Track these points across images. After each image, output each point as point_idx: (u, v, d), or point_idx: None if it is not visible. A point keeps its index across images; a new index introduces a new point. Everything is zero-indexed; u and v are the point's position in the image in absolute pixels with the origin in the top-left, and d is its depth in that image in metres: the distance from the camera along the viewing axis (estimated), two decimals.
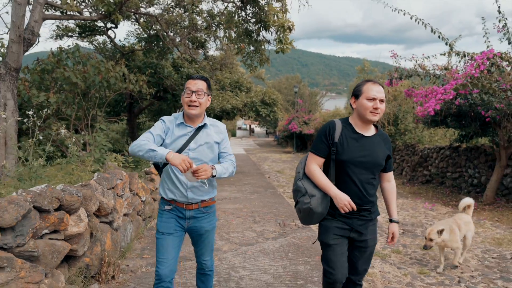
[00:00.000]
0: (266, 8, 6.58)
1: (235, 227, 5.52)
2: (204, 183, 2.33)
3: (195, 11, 11.26)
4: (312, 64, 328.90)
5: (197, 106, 2.34)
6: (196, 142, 2.38)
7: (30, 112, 4.92)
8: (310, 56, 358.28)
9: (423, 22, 7.94)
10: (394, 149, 13.02)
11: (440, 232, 3.86)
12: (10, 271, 2.13)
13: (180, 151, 2.34)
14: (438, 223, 4.26)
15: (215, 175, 2.25)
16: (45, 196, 2.50)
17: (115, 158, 5.56)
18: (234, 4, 7.36)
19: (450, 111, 7.57)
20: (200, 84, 2.36)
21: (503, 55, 7.25)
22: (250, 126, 54.27)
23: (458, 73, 7.58)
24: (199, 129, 2.40)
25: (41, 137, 5.24)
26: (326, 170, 2.34)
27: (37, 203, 2.41)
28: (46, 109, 7.03)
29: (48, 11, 9.44)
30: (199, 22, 11.60)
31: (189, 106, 2.34)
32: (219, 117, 12.93)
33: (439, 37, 8.05)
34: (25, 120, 5.15)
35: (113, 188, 3.86)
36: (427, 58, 8.65)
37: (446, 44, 8.12)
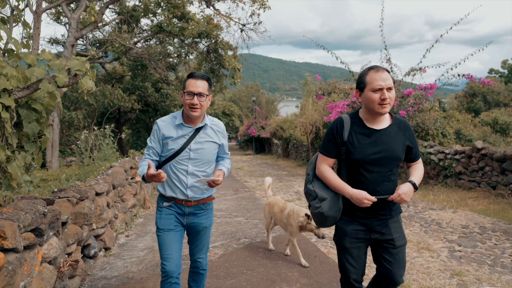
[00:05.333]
0: (223, 55, 10.25)
1: None
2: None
3: (168, 42, 14.75)
4: (273, 70, 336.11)
5: (199, 108, 2.32)
6: (196, 143, 2.38)
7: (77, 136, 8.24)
8: (271, 62, 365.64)
9: (330, 51, 11.71)
10: None
11: None
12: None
13: (180, 151, 2.36)
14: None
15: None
16: (126, 163, 6.02)
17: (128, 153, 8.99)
18: (203, 53, 11.08)
19: None
20: (202, 86, 2.32)
21: None
22: None
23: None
24: (198, 129, 2.40)
25: (78, 142, 8.61)
26: (337, 170, 2.19)
27: (124, 167, 5.92)
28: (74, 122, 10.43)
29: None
30: (172, 51, 15.09)
31: (190, 108, 2.32)
32: None
33: (345, 67, 11.74)
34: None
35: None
36: (336, 82, 12.79)
37: (350, 72, 11.81)
